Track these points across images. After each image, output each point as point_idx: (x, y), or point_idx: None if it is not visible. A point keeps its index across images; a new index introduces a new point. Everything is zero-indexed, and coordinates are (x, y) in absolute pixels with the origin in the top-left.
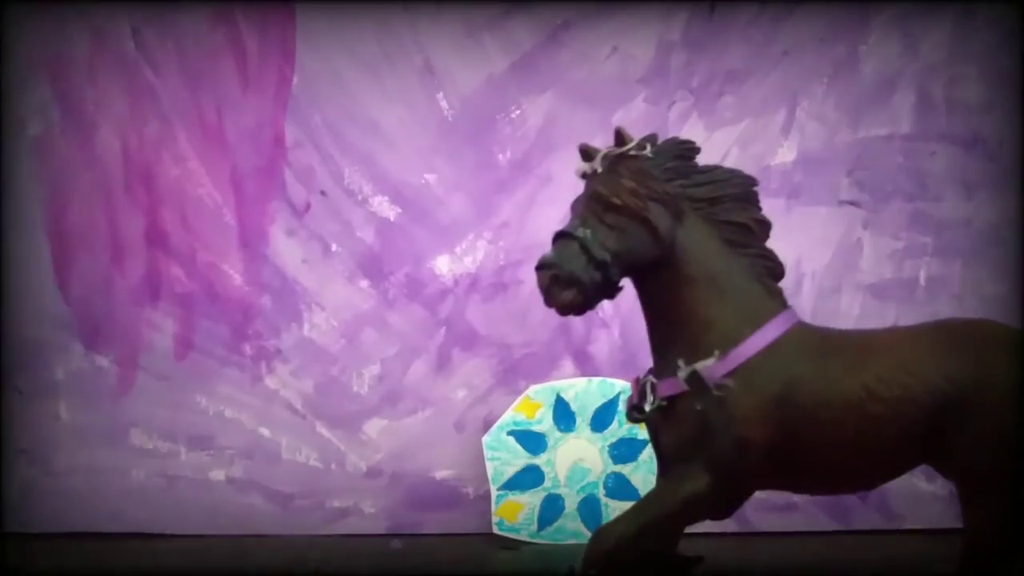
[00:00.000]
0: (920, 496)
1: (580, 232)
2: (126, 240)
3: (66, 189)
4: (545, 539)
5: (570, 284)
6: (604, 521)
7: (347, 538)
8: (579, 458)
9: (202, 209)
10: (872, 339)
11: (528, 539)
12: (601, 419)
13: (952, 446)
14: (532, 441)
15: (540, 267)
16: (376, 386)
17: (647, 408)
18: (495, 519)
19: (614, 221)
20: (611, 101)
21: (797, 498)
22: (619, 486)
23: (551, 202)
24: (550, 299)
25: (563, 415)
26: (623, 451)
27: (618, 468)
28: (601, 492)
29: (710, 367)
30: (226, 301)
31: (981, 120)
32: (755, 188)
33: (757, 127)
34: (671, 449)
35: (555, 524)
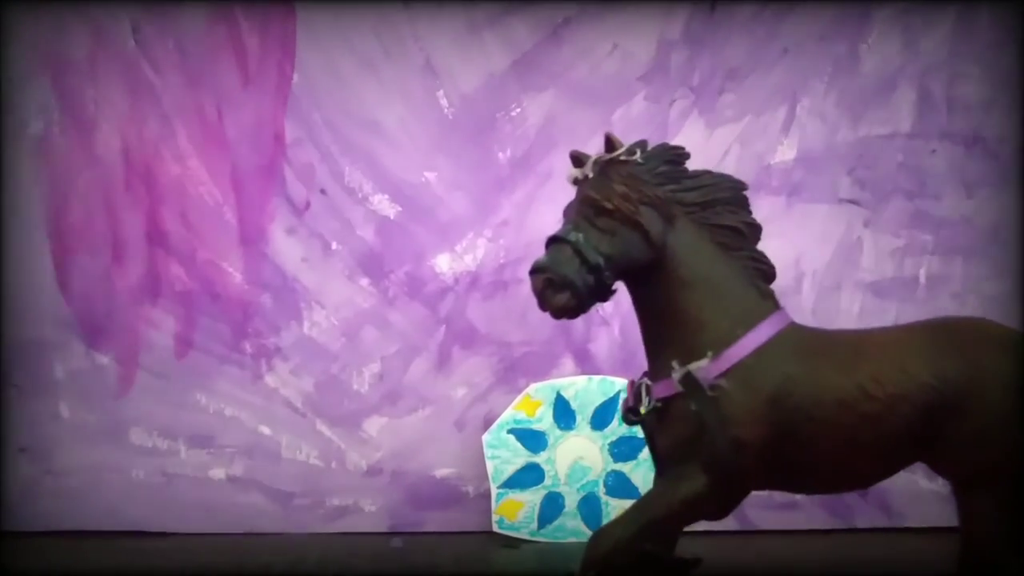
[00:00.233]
0: (921, 494)
1: (573, 236)
2: (126, 239)
3: (66, 188)
4: (545, 537)
5: (564, 288)
6: (604, 519)
7: (347, 536)
8: (579, 456)
9: (202, 207)
10: (865, 339)
11: (528, 537)
12: (601, 417)
13: (946, 445)
14: (532, 439)
15: (534, 271)
16: (376, 384)
17: (642, 410)
18: (495, 517)
19: (606, 225)
20: (612, 99)
21: (798, 496)
22: (619, 484)
23: (551, 200)
24: (544, 303)
25: (563, 413)
26: (623, 449)
27: (618, 466)
28: (601, 490)
29: (704, 368)
30: (226, 299)
31: (982, 119)
32: (745, 192)
33: (758, 125)
34: (667, 450)
35: (555, 522)
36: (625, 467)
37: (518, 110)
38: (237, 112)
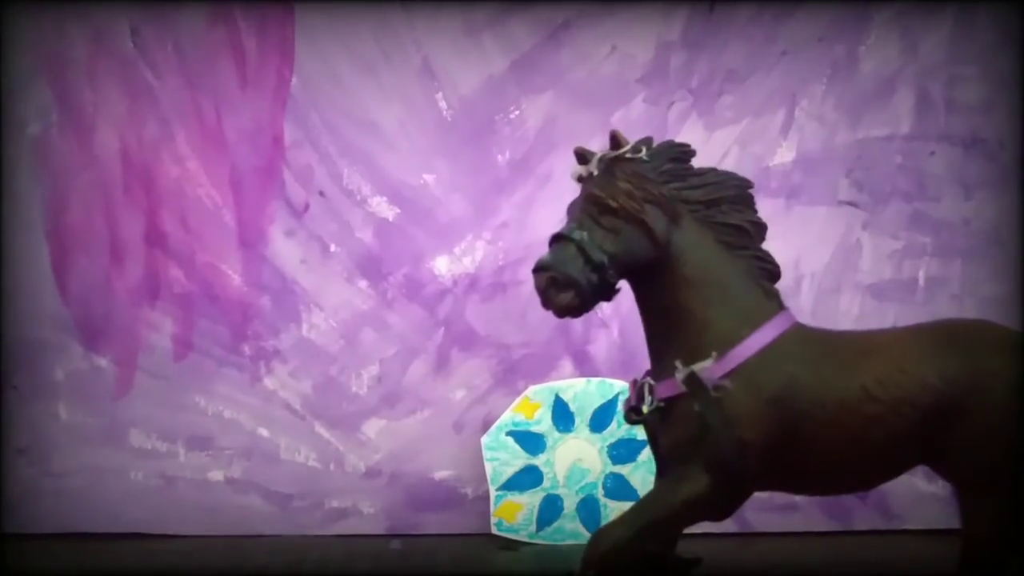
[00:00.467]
0: (920, 496)
1: (577, 235)
2: (125, 240)
3: (65, 189)
4: (544, 539)
5: (567, 286)
6: (603, 521)
7: (346, 538)
8: (578, 458)
9: (201, 209)
10: (869, 340)
11: (527, 539)
12: (600, 419)
13: (948, 447)
14: (531, 441)
15: (537, 270)
16: (375, 386)
17: (645, 410)
18: (494, 519)
19: (610, 223)
20: (610, 101)
21: (797, 498)
22: (618, 486)
23: (550, 202)
24: (548, 302)
25: (562, 415)
26: (622, 451)
27: (617, 468)
28: (600, 492)
29: (708, 368)
30: (225, 301)
31: (980, 120)
32: (751, 191)
33: (756, 127)
34: (669, 451)
35: (554, 524)
36: (624, 469)
37: (517, 112)
38: (236, 114)
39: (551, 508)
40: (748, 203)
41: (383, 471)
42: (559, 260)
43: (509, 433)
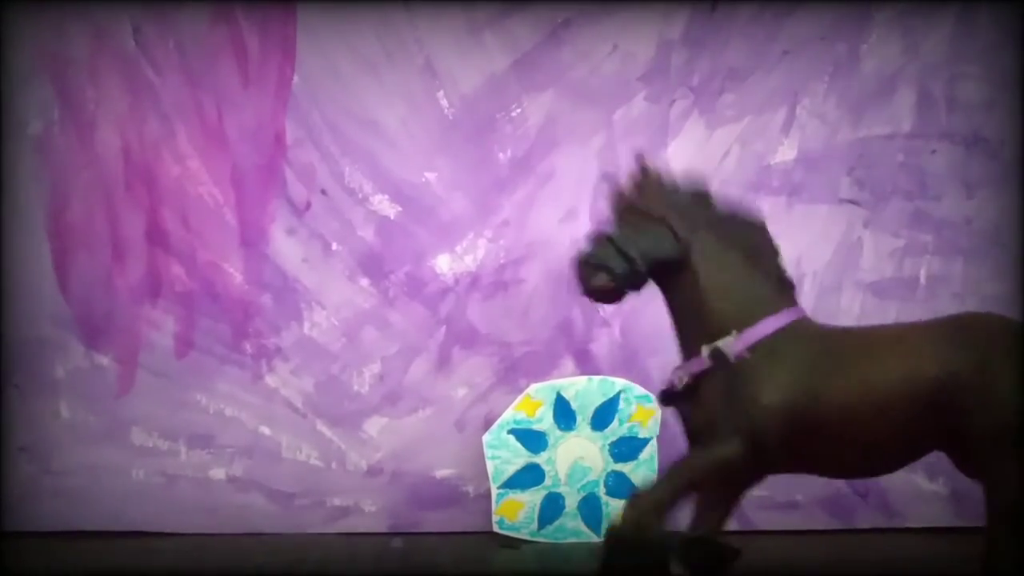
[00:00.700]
0: (921, 495)
1: (612, 234)
2: (126, 239)
3: (66, 188)
4: (545, 538)
5: (601, 270)
6: (604, 520)
7: (347, 537)
8: (579, 457)
9: (202, 208)
10: (879, 328)
11: (528, 538)
12: (602, 418)
13: (967, 420)
14: (532, 440)
15: (578, 260)
16: (376, 385)
17: (678, 387)
18: (495, 518)
19: (639, 224)
20: (612, 99)
21: (798, 496)
22: (619, 485)
23: (552, 200)
24: (584, 283)
25: (563, 414)
26: (623, 450)
27: (619, 467)
28: (602, 491)
29: (730, 343)
30: (226, 300)
31: (982, 119)
32: (764, 223)
33: (758, 125)
34: (700, 423)
35: (555, 523)
36: (625, 467)
37: (518, 110)
38: (238, 112)
39: (553, 506)
40: (763, 229)
41: (385, 469)
42: (597, 252)
43: (511, 431)
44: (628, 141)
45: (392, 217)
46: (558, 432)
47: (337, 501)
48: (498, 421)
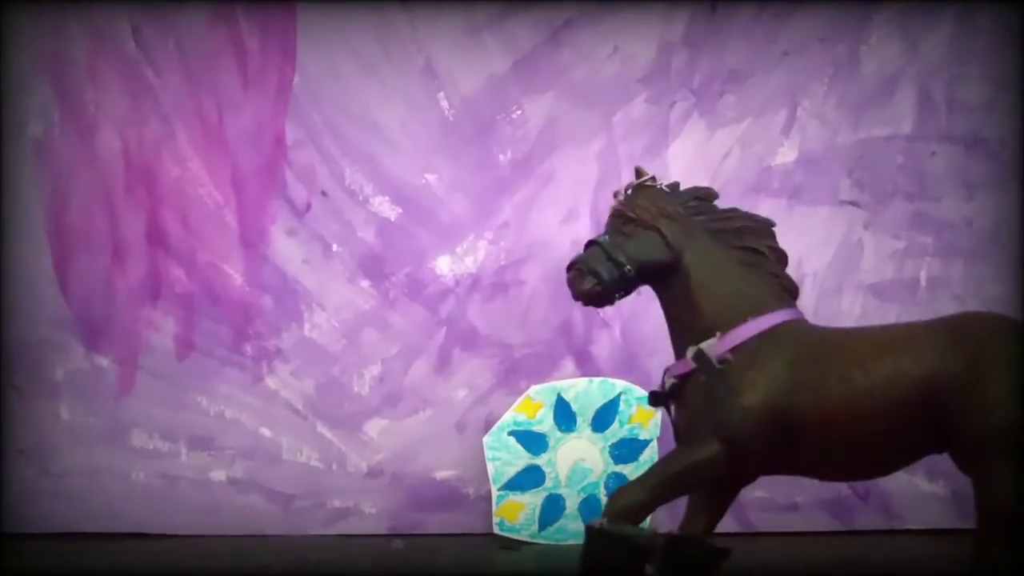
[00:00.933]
0: (921, 496)
1: (602, 240)
2: (126, 240)
3: (66, 189)
4: (546, 539)
5: (589, 274)
6: None
7: (348, 538)
8: (580, 458)
9: (202, 209)
10: (872, 330)
11: (529, 539)
12: (602, 419)
13: (957, 421)
14: (533, 441)
15: (568, 267)
16: (377, 386)
17: (664, 389)
18: (496, 519)
19: (629, 230)
20: (612, 101)
21: (798, 498)
22: (620, 486)
23: (552, 202)
24: (573, 289)
25: (564, 415)
26: (624, 451)
27: (619, 468)
28: (602, 492)
29: (713, 345)
30: (227, 301)
31: (982, 120)
32: (773, 228)
33: (758, 127)
34: (683, 424)
35: (556, 524)
36: (626, 469)
37: (519, 112)
38: (238, 113)
39: (553, 508)
40: (769, 235)
41: (385, 471)
42: (586, 257)
43: (511, 433)
44: (628, 143)
45: (392, 218)
46: (558, 434)
47: (337, 502)
48: (498, 423)
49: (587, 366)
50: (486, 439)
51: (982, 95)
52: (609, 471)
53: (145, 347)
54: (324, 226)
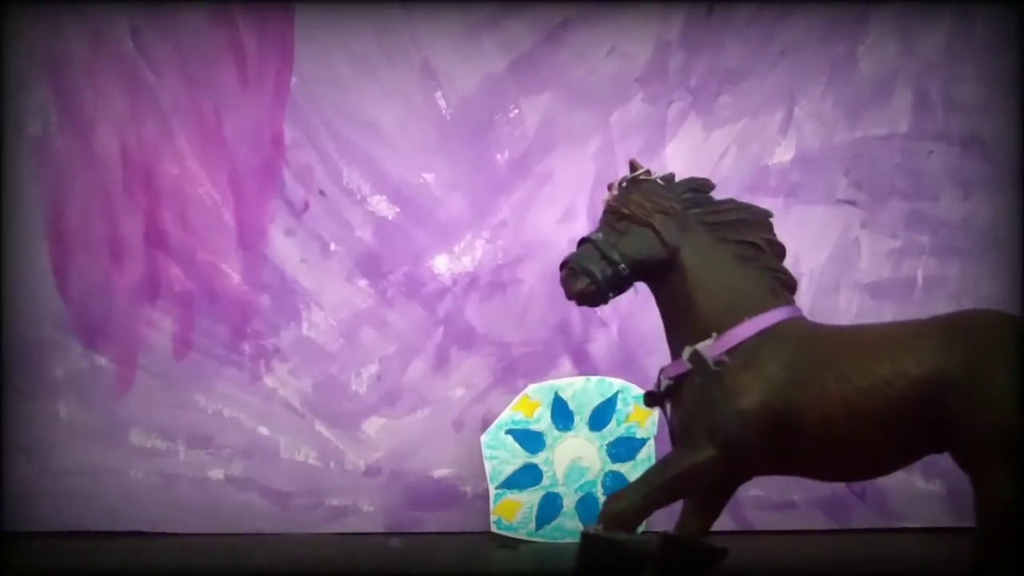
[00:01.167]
0: (918, 495)
1: (595, 237)
2: (125, 240)
3: (65, 189)
4: (543, 538)
5: (583, 275)
6: None
7: (346, 537)
8: (577, 457)
9: (201, 209)
10: (871, 328)
11: (526, 538)
12: (599, 418)
13: (956, 421)
14: (530, 440)
15: (562, 265)
16: (375, 385)
17: (660, 390)
18: (493, 518)
19: (623, 227)
20: (609, 100)
21: (795, 496)
22: (617, 485)
23: (549, 201)
24: (567, 288)
25: (561, 414)
26: (621, 450)
27: (616, 467)
28: (599, 491)
29: (709, 346)
30: (225, 300)
31: (979, 120)
32: (770, 219)
33: (755, 126)
34: (679, 425)
35: (553, 523)
36: (623, 467)
37: (516, 111)
38: (236, 113)
39: (550, 506)
40: (766, 227)
41: (383, 469)
42: (579, 256)
43: (508, 431)
44: (626, 142)
45: (390, 218)
46: (556, 432)
47: (335, 501)
48: (496, 421)
49: (584, 365)
50: (484, 438)
51: (979, 95)
52: (606, 469)
53: (144, 346)
54: (322, 225)
